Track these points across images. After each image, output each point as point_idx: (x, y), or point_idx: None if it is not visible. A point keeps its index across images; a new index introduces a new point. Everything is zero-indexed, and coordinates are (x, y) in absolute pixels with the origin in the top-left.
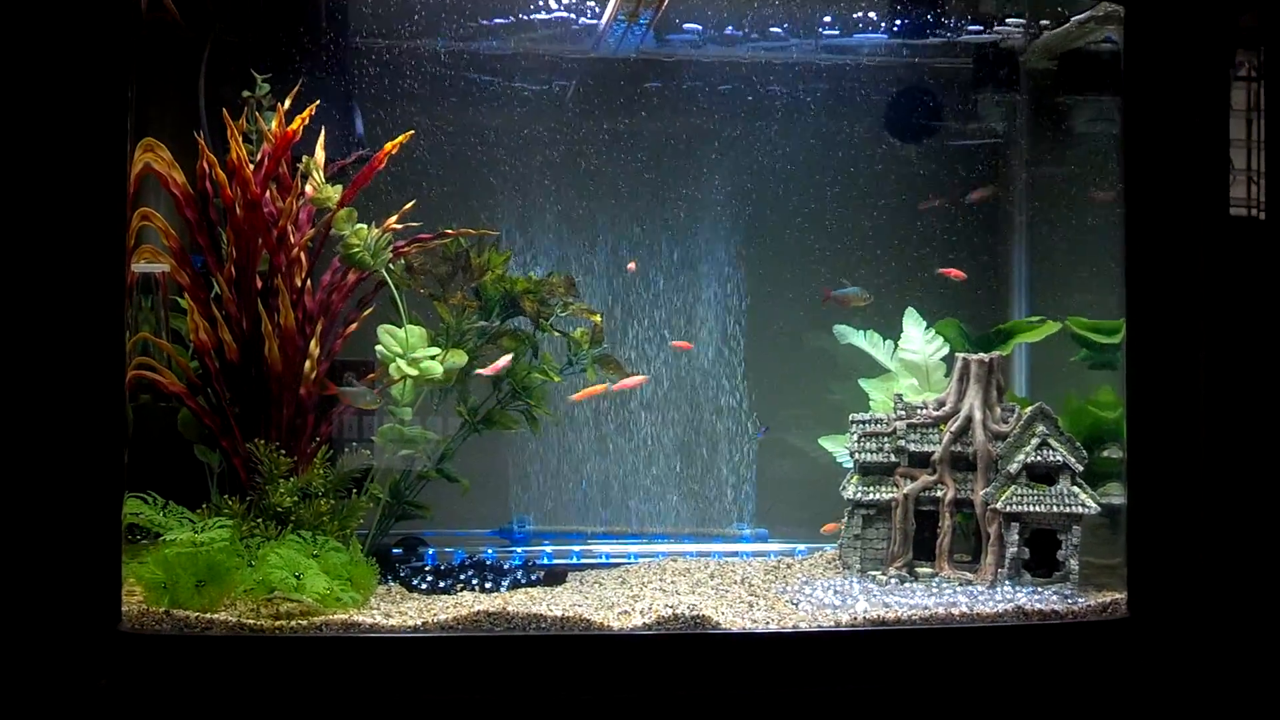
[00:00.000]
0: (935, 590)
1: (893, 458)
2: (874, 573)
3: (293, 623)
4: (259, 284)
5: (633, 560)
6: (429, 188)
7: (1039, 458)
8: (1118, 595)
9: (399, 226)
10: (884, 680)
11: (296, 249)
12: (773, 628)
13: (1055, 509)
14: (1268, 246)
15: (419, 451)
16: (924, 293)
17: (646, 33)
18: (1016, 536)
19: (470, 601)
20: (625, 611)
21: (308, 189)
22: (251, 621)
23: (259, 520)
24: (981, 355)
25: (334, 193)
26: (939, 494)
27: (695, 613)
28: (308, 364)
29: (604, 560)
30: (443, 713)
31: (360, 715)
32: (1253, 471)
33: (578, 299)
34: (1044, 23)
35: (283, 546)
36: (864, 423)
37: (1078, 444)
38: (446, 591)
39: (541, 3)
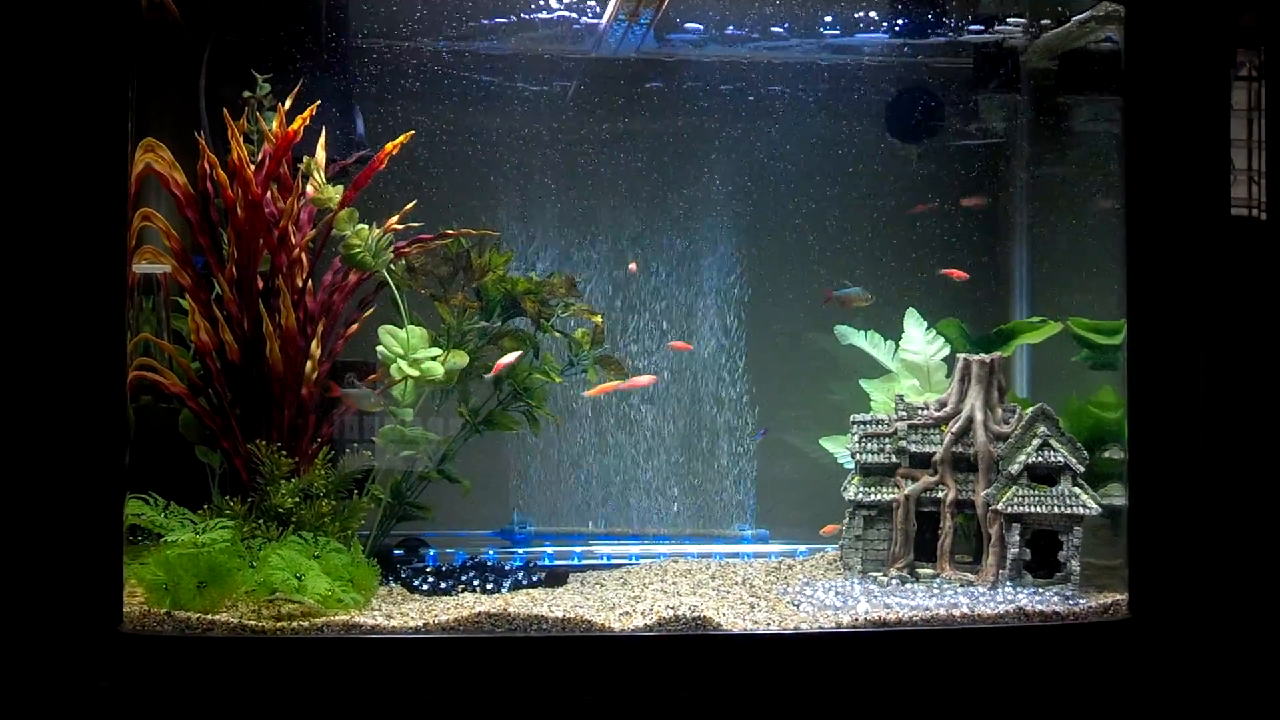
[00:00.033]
0: (936, 591)
1: (894, 459)
2: (875, 574)
3: (294, 624)
4: (260, 284)
5: (634, 561)
6: (430, 188)
7: (1040, 458)
8: (1119, 596)
9: (400, 227)
10: (885, 681)
11: (297, 249)
12: (774, 629)
13: (1056, 510)
14: (1268, 247)
15: (420, 452)
16: (925, 293)
17: (647, 33)
18: (1018, 537)
19: (471, 602)
20: (626, 613)
21: (309, 189)
22: (253, 623)
23: (260, 521)
24: (983, 356)
25: (335, 193)
26: (940, 495)
27: (696, 614)
28: (309, 365)
29: (605, 561)
30: (444, 714)
31: (361, 716)
32: (1253, 472)
33: (579, 299)
34: (1045, 22)
35: (284, 547)
36: (865, 423)
37: (1079, 445)
38: (448, 592)
39: (543, 2)
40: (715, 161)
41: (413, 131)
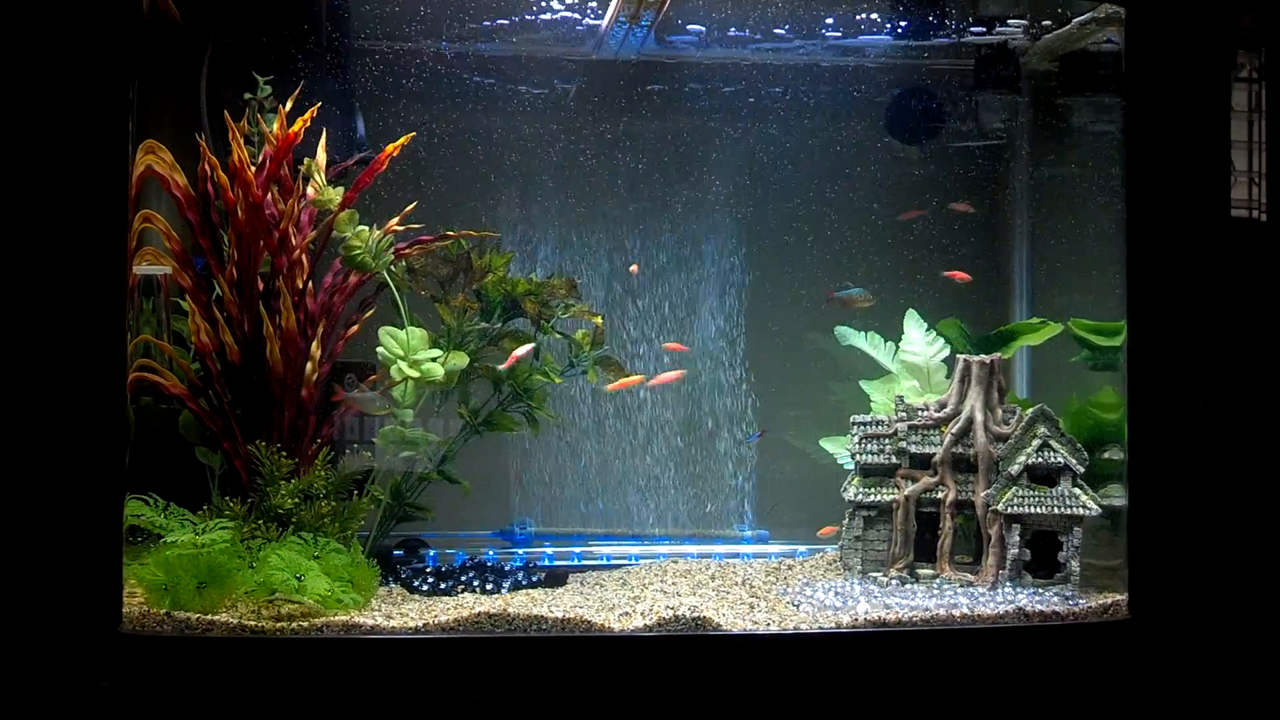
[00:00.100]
0: (936, 592)
1: (894, 459)
2: (875, 574)
3: (294, 624)
4: (260, 286)
5: (634, 562)
6: (430, 189)
7: (1040, 459)
8: (1119, 597)
9: (401, 228)
10: (885, 682)
11: (298, 251)
12: (774, 629)
13: (1056, 510)
14: (1269, 248)
15: (420, 453)
16: (925, 294)
17: (648, 35)
18: (1018, 538)
19: (471, 603)
20: (626, 613)
21: (309, 191)
22: (252, 623)
23: (260, 522)
24: (983, 357)
25: (335, 195)
26: (940, 495)
27: (696, 614)
28: (309, 366)
29: (605, 562)
30: (444, 714)
31: (361, 716)
32: (1253, 473)
33: (579, 301)
34: (1046, 23)
35: (284, 548)
36: (865, 424)
37: (1079, 445)
38: (447, 593)
39: (544, 4)
40: (716, 163)
41: (413, 133)
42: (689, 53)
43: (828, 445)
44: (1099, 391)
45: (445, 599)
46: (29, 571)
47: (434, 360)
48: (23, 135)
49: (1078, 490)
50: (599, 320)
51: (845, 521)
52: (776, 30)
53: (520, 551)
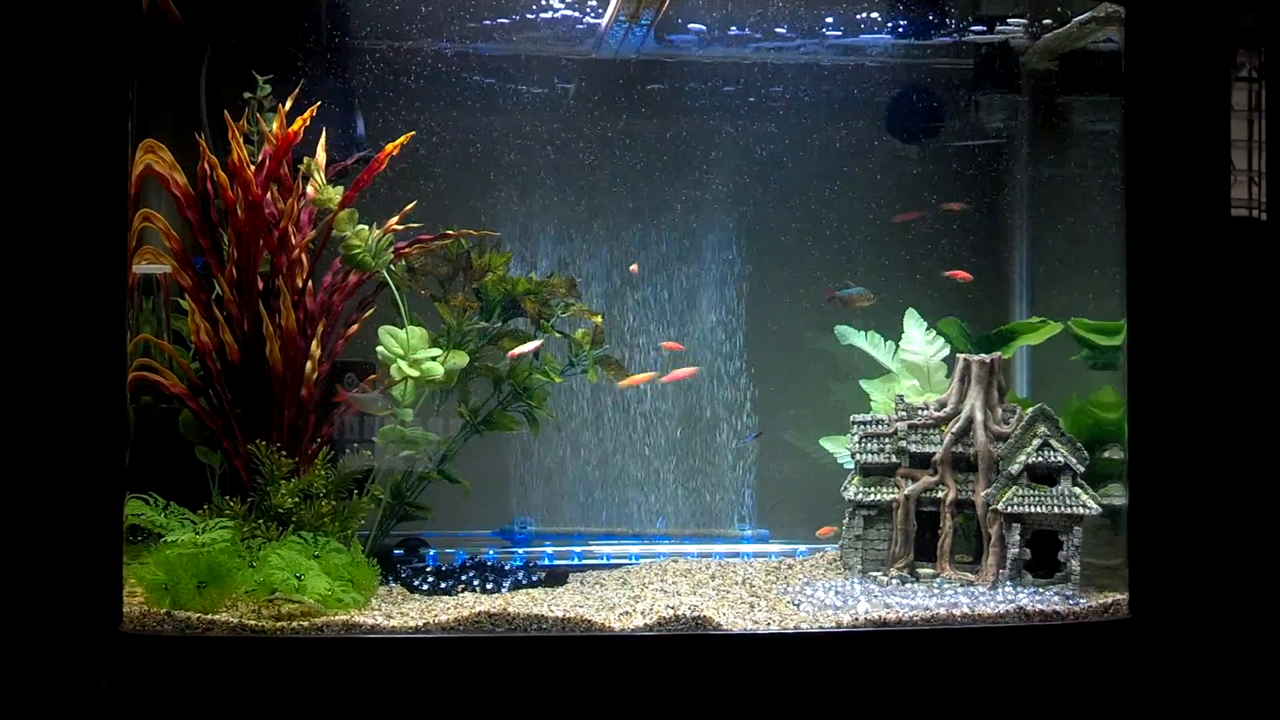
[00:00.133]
0: (936, 591)
1: (894, 459)
2: (875, 574)
3: (294, 624)
4: (260, 285)
5: (634, 561)
6: (430, 188)
7: (1040, 459)
8: (1119, 596)
9: (400, 228)
10: (885, 681)
11: (298, 250)
12: (774, 629)
13: (1056, 510)
14: (1269, 247)
15: (420, 452)
16: (925, 293)
17: (647, 34)
18: (1018, 537)
19: (471, 602)
20: (626, 612)
21: (309, 190)
22: (253, 622)
23: (260, 521)
24: (983, 356)
25: (335, 194)
26: (940, 495)
27: (696, 613)
28: (309, 365)
29: (605, 561)
30: (444, 714)
31: (362, 716)
32: (1253, 472)
33: (579, 300)
34: (1047, 21)
35: (284, 547)
36: (865, 423)
37: (1079, 445)
38: (448, 592)
39: (544, 3)
40: (715, 162)
41: (413, 133)
42: (689, 52)
43: (828, 444)
44: (1099, 391)
45: (445, 598)
46: (29, 571)
47: (434, 359)
48: (23, 135)
49: (1078, 489)
50: (599, 319)
51: (845, 521)
52: (776, 29)
53: (520, 551)
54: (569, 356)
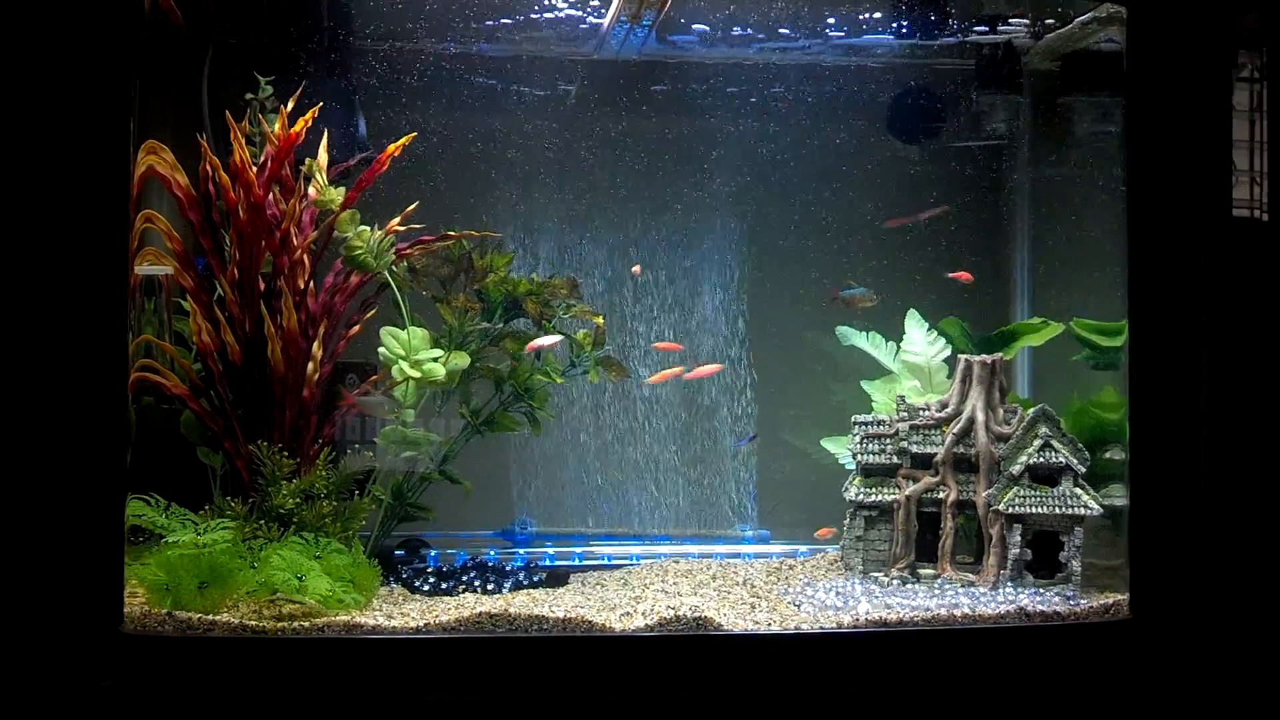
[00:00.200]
0: (937, 591)
1: (895, 459)
2: (876, 574)
3: (295, 624)
4: (262, 286)
5: (635, 562)
6: (431, 188)
7: (1041, 459)
8: (1120, 597)
9: (402, 228)
10: (886, 682)
11: (299, 251)
12: (775, 629)
13: (1057, 510)
14: (1270, 247)
15: (421, 453)
16: (926, 294)
17: (649, 35)
18: (1019, 538)
19: (472, 603)
20: (627, 613)
21: (311, 191)
22: (254, 623)
23: (261, 522)
24: (984, 356)
25: (337, 195)
26: (941, 495)
27: (697, 614)
28: (310, 366)
29: (606, 562)
30: (445, 714)
31: (363, 716)
32: (1254, 472)
33: (580, 301)
34: (1050, 21)
35: (285, 548)
36: (866, 424)
37: (1080, 445)
38: (449, 593)
39: (546, 3)
40: (717, 162)
41: (414, 133)
42: (690, 52)
43: (829, 445)
44: (1100, 391)
45: (446, 599)
46: (31, 571)
47: (435, 360)
48: (25, 135)
49: (1079, 490)
50: (600, 320)
51: (847, 521)
52: (778, 30)
53: (521, 551)
54: (571, 357)
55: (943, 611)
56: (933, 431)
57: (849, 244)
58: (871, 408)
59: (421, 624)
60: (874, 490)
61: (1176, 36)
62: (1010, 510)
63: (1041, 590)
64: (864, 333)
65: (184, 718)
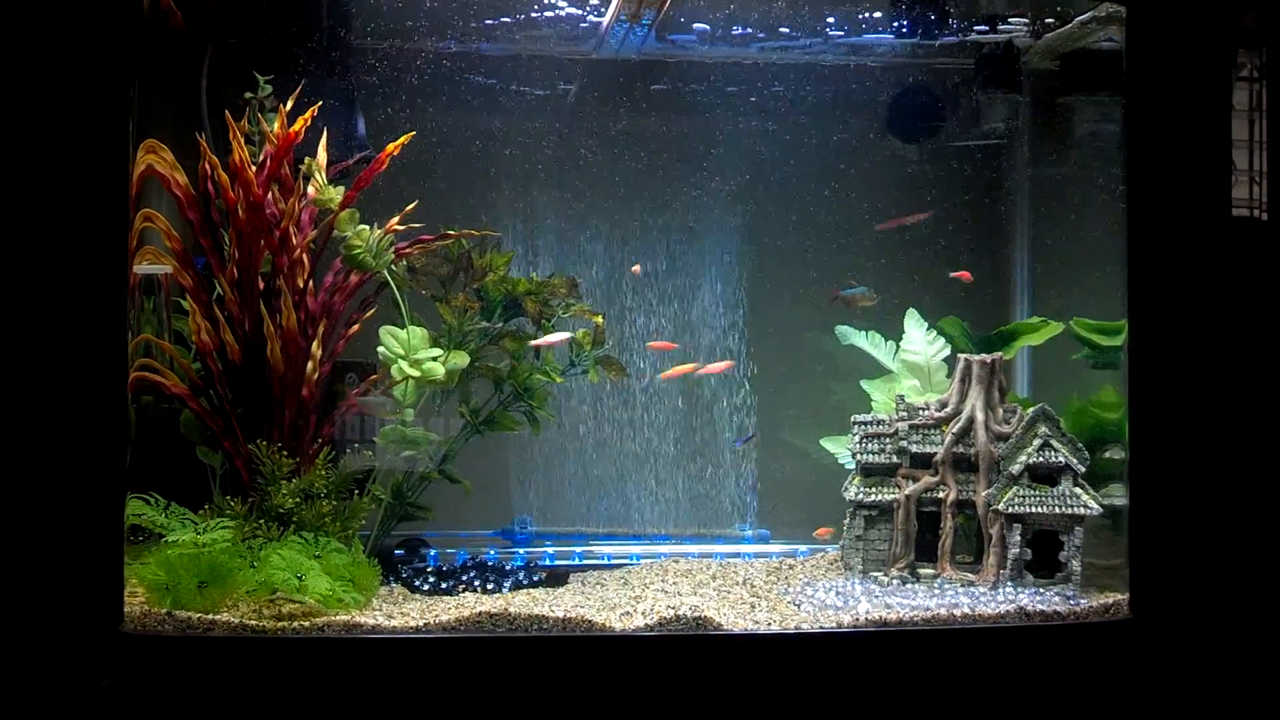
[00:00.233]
0: (937, 591)
1: (895, 459)
2: (876, 574)
3: (295, 624)
4: (261, 285)
5: (635, 561)
6: (430, 187)
7: (1041, 459)
8: (1120, 596)
9: (401, 228)
10: (886, 681)
11: (299, 250)
12: (775, 629)
13: (1057, 510)
14: (1270, 247)
15: (421, 453)
16: (926, 293)
17: (649, 34)
18: (1019, 538)
19: (472, 602)
20: (627, 613)
21: (310, 190)
22: (254, 622)
23: (261, 521)
24: (983, 356)
25: (336, 194)
26: (941, 495)
27: (697, 614)
28: (310, 365)
29: (606, 561)
30: (445, 714)
31: (363, 716)
32: (1254, 472)
33: (579, 300)
34: (1049, 20)
35: (285, 547)
36: (866, 424)
37: (1080, 445)
38: (449, 592)
39: (546, 2)
40: (717, 162)
41: (414, 132)
42: (690, 51)
43: (829, 445)
44: (1100, 391)
45: (446, 598)
46: (30, 571)
47: (435, 359)
48: (24, 135)
49: (1079, 490)
50: (599, 319)
51: (846, 521)
52: (778, 29)
53: (521, 551)
54: (570, 356)
55: (943, 611)
56: (932, 431)
57: (849, 243)
58: (871, 407)
59: (421, 624)
60: (874, 490)
61: (1176, 36)
62: (1010, 510)
63: (1041, 590)
64: (863, 332)
65: (184, 718)
